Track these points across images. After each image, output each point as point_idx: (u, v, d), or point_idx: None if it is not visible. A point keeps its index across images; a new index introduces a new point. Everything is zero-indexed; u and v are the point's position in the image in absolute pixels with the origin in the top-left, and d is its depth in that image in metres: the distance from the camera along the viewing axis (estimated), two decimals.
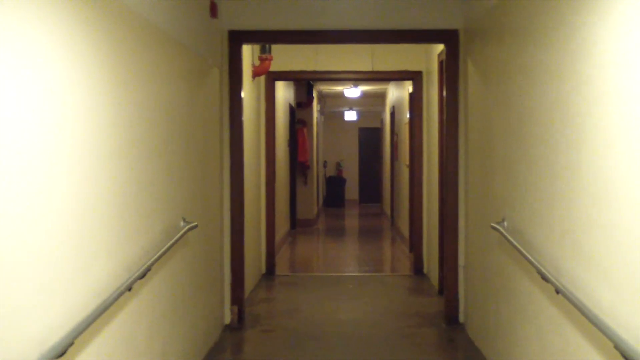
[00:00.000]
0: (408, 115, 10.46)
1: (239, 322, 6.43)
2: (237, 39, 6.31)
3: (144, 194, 3.84)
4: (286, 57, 9.01)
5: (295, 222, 14.06)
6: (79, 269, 2.92)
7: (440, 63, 7.19)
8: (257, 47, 8.02)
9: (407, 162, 10.53)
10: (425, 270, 9.03)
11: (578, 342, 3.33)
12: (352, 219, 17.67)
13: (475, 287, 5.85)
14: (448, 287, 6.46)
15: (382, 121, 19.22)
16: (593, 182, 3.09)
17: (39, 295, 2.53)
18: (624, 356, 2.58)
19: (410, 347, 5.93)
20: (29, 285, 2.47)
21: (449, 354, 5.97)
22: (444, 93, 6.46)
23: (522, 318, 4.33)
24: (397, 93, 13.18)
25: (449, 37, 6.30)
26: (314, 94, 15.54)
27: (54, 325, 2.63)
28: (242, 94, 6.44)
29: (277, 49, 8.37)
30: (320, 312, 7.15)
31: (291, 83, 13.08)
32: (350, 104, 19.56)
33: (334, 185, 20.76)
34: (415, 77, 9.16)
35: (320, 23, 6.34)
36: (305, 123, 15.07)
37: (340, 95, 16.89)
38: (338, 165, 22.23)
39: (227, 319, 6.39)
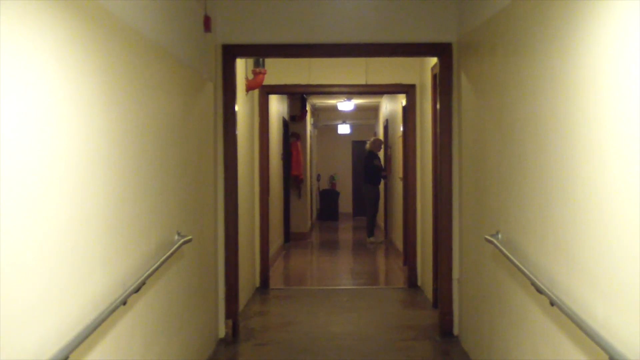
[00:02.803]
0: (402, 129, 10.48)
1: (234, 336, 6.41)
2: (230, 53, 6.33)
3: (139, 208, 3.84)
4: (280, 70, 9.03)
5: (289, 236, 14.03)
6: (74, 282, 2.91)
7: (434, 76, 7.22)
8: (250, 61, 8.04)
9: (401, 175, 10.55)
10: (419, 283, 9.02)
11: (572, 354, 3.33)
12: (346, 232, 17.66)
13: (470, 299, 5.85)
14: (442, 299, 6.46)
15: (375, 134, 19.23)
16: (587, 194, 3.11)
17: (33, 309, 2.53)
18: None
19: None
20: (24, 299, 2.46)
21: None
22: (438, 106, 6.48)
23: (516, 330, 4.33)
24: (391, 106, 13.21)
25: (442, 51, 6.33)
26: (308, 108, 15.57)
27: (49, 339, 2.62)
28: (236, 108, 6.45)
29: (270, 62, 8.40)
30: (314, 325, 7.14)
31: (285, 97, 13.10)
32: (344, 117, 19.61)
33: (328, 198, 20.74)
34: (408, 90, 9.18)
35: (314, 37, 6.37)
36: (299, 136, 15.08)
37: (334, 108, 16.93)
38: (331, 179, 22.23)
39: (222, 333, 6.37)
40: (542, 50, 3.77)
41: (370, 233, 14.38)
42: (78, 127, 2.98)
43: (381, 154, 14.55)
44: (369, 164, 14.31)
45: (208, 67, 5.95)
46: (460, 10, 6.07)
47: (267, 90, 9.22)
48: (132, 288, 3.45)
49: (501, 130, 4.68)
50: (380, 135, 15.60)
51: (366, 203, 14.58)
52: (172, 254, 4.23)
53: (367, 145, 14.58)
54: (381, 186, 14.55)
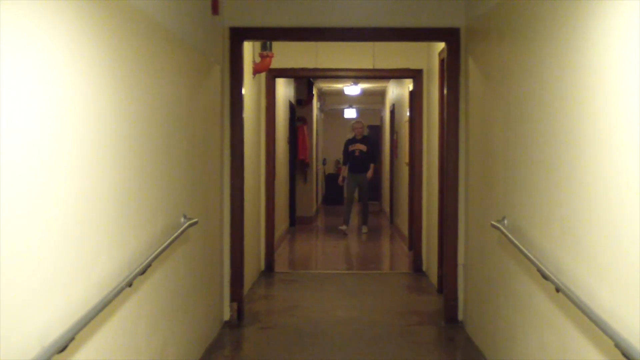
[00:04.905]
0: (408, 114, 10.46)
1: (238, 319, 6.43)
2: (238, 36, 6.31)
3: (145, 190, 3.84)
4: (287, 54, 9.00)
5: (294, 220, 14.05)
6: (80, 264, 2.92)
7: (442, 61, 7.19)
8: (257, 44, 8.02)
9: (407, 160, 10.54)
10: (424, 269, 9.03)
11: (578, 341, 3.34)
12: (351, 217, 17.62)
13: (475, 285, 5.86)
14: (447, 285, 6.47)
15: (381, 119, 19.22)
16: (593, 180, 3.10)
17: (40, 290, 2.54)
18: (624, 355, 2.59)
19: (409, 345, 5.94)
20: (31, 280, 2.47)
21: (448, 352, 5.97)
22: (445, 91, 6.46)
23: (521, 316, 4.33)
24: (398, 91, 13.18)
25: (450, 36, 6.30)
26: (314, 92, 15.54)
27: (55, 320, 2.63)
28: (243, 91, 6.44)
29: (277, 46, 8.37)
30: (319, 309, 7.16)
31: (291, 80, 13.07)
32: (350, 101, 19.58)
33: (334, 183, 20.71)
34: (416, 75, 9.16)
35: (322, 20, 6.34)
36: (305, 120, 15.07)
37: (340, 92, 16.90)
38: (337, 163, 22.20)
39: (227, 316, 6.39)
40: (550, 36, 3.75)
41: (345, 221, 13.71)
42: (85, 108, 2.97)
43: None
44: (344, 150, 13.77)
45: (215, 50, 5.94)
46: None
47: (274, 74, 9.20)
48: (137, 270, 3.46)
49: (508, 115, 4.66)
50: (387, 120, 15.51)
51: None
52: (177, 236, 4.24)
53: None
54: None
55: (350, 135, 13.74)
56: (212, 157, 5.83)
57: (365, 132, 13.76)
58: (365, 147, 13.39)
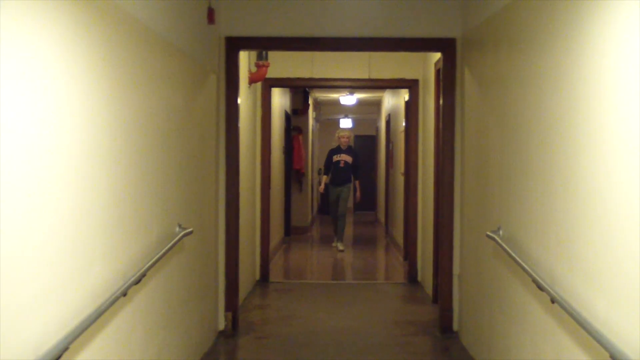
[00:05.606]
0: (404, 124, 10.47)
1: (233, 329, 6.41)
2: (234, 45, 6.32)
3: (140, 199, 3.83)
4: (283, 64, 9.01)
5: (289, 229, 14.03)
6: (75, 273, 2.91)
7: (437, 71, 7.21)
8: (253, 53, 8.02)
9: (403, 170, 10.54)
10: (419, 279, 9.02)
11: (573, 352, 3.33)
12: (346, 227, 17.61)
13: (470, 295, 5.85)
14: (442, 295, 6.46)
15: (377, 129, 19.23)
16: (589, 190, 3.10)
17: (34, 299, 2.53)
18: None
19: (404, 356, 5.93)
20: (25, 290, 2.46)
21: None
22: (441, 101, 6.47)
23: (516, 327, 4.33)
24: (393, 101, 13.19)
25: (446, 46, 6.31)
26: (310, 102, 15.55)
27: (50, 330, 2.62)
28: (239, 101, 6.44)
29: (273, 55, 8.38)
30: (314, 319, 7.14)
31: (287, 90, 13.07)
32: (346, 111, 19.58)
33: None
34: (411, 85, 9.17)
35: (318, 30, 6.35)
36: (301, 130, 15.07)
37: (336, 102, 16.91)
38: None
39: (221, 326, 6.37)
40: (546, 47, 3.76)
41: (338, 237, 12.82)
42: (80, 118, 2.97)
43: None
44: (327, 160, 12.91)
45: (211, 59, 5.94)
46: (464, 5, 6.06)
47: (270, 84, 9.20)
48: (132, 280, 3.45)
49: (504, 126, 4.67)
50: (383, 130, 15.50)
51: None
52: (172, 246, 4.23)
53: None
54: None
55: (334, 145, 13.08)
56: (208, 166, 5.82)
57: (351, 142, 13.13)
58: (351, 158, 12.73)
